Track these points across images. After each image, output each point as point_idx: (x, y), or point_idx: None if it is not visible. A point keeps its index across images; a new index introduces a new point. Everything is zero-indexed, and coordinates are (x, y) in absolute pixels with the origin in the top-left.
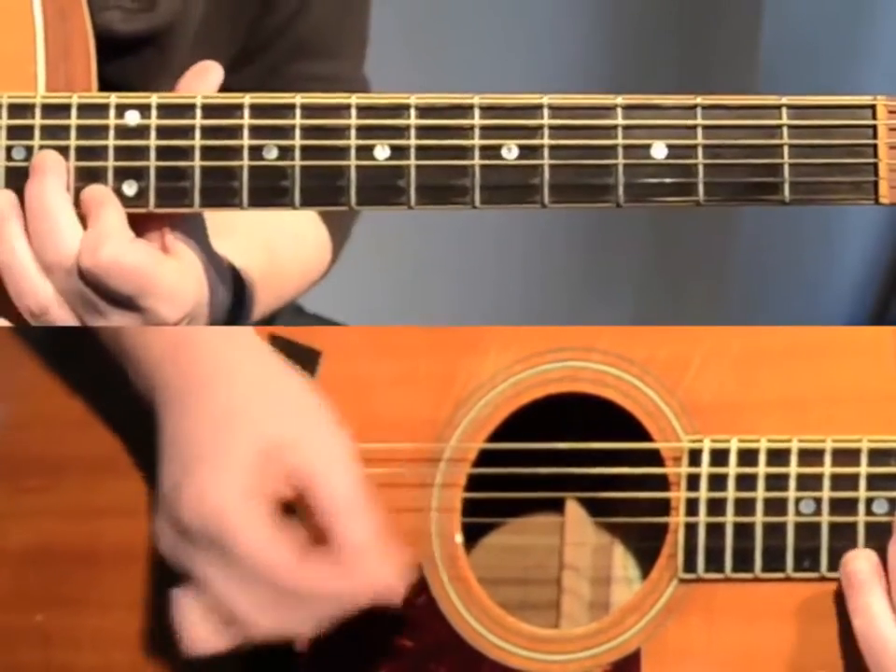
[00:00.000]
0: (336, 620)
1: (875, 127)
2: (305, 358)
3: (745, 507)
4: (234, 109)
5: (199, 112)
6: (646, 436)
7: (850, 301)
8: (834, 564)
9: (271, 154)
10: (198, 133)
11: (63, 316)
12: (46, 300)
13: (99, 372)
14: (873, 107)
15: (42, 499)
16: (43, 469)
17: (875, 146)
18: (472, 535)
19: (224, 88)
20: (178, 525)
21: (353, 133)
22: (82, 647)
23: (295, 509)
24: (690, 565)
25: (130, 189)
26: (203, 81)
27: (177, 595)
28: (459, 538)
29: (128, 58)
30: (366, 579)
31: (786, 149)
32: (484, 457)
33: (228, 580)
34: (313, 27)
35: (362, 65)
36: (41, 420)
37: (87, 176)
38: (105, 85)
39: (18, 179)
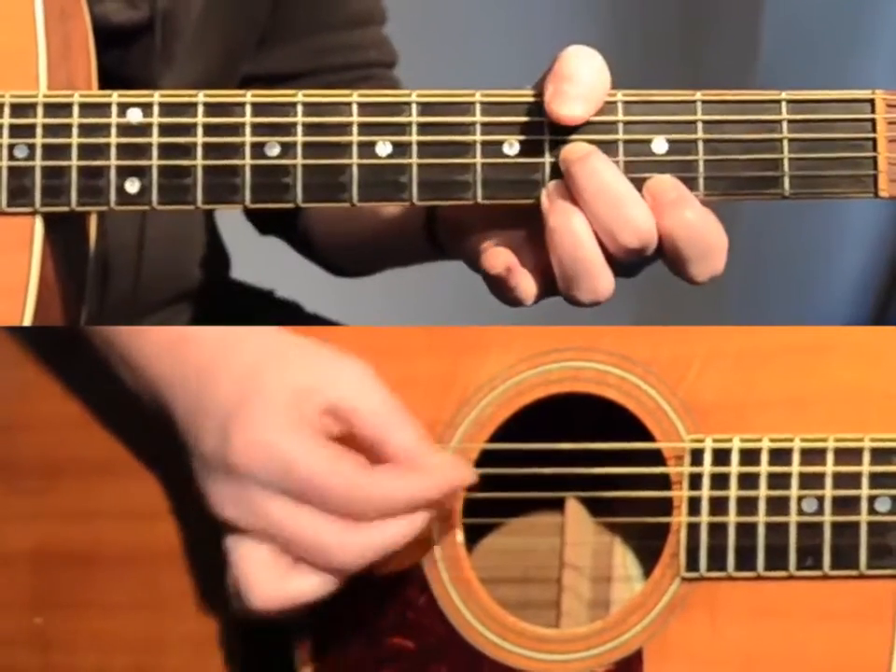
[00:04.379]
0: (411, 533)
1: (874, 121)
2: None
3: (747, 506)
4: (236, 107)
5: (201, 109)
6: (648, 436)
7: (850, 301)
8: (837, 562)
9: (273, 151)
10: (200, 131)
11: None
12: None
13: (96, 373)
14: (871, 101)
15: (40, 501)
16: (40, 470)
17: (874, 139)
18: (473, 535)
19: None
20: (235, 475)
21: (354, 129)
22: (82, 649)
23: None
24: (692, 563)
25: (132, 186)
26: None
27: (234, 549)
28: (460, 538)
29: (128, 47)
30: (433, 471)
31: (786, 143)
32: (486, 457)
33: (300, 516)
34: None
35: (384, 27)
36: (38, 421)
37: (89, 174)
38: (106, 75)
39: (20, 178)
